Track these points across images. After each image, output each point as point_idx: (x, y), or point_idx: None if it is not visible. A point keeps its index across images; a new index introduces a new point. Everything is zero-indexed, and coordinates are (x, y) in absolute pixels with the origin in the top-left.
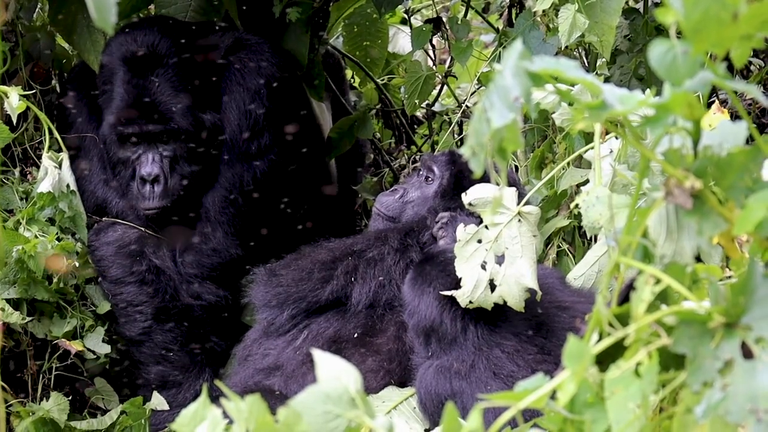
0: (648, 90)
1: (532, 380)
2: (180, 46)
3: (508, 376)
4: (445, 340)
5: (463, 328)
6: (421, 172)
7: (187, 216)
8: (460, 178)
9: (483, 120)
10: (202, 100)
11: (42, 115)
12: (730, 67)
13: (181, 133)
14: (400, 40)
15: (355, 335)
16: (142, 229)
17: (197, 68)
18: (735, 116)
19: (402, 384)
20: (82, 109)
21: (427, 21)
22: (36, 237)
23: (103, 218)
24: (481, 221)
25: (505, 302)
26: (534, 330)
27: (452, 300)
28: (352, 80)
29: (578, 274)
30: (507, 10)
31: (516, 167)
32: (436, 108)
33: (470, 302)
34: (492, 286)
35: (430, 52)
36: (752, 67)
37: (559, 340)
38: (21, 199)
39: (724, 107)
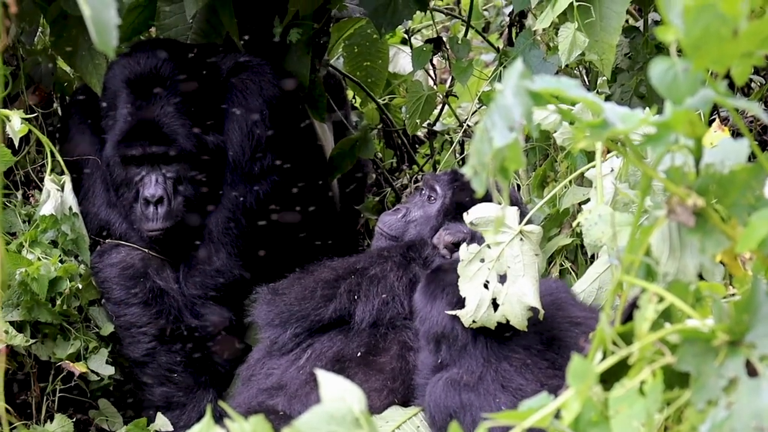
0: (649, 108)
1: (536, 399)
2: (182, 68)
3: (517, 390)
4: (456, 346)
5: (474, 336)
6: (423, 192)
7: (190, 237)
8: (462, 197)
9: (484, 139)
10: (205, 122)
11: (44, 138)
12: (731, 85)
13: (184, 155)
14: (401, 60)
15: (359, 354)
16: (146, 250)
17: (200, 90)
18: (736, 134)
19: (405, 403)
20: (84, 131)
21: (428, 41)
22: (39, 259)
23: (107, 240)
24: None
25: (508, 321)
26: (545, 344)
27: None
28: (353, 100)
29: (579, 291)
30: (507, 29)
31: (518, 186)
32: (438, 127)
33: (473, 321)
34: (495, 305)
35: (431, 72)
36: (753, 85)
37: (571, 356)
38: (24, 221)
39: (725, 125)
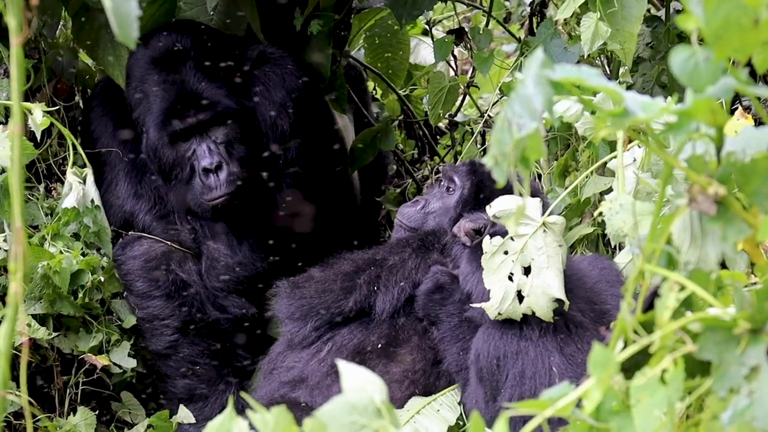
0: (670, 97)
1: (557, 388)
2: (207, 40)
3: (570, 356)
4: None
5: None
6: (442, 183)
7: (253, 202)
8: (480, 187)
9: (505, 129)
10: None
11: (66, 131)
12: (753, 74)
13: (229, 115)
14: (422, 51)
15: (379, 346)
16: (169, 243)
17: (227, 65)
18: (759, 122)
19: (426, 394)
20: (107, 123)
21: (449, 32)
22: (61, 252)
23: (130, 232)
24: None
25: (533, 313)
26: (597, 318)
27: None
28: (374, 92)
29: None
30: (528, 19)
31: (539, 175)
32: (459, 118)
33: (499, 314)
34: (520, 297)
35: (452, 63)
36: None
37: None
38: (46, 214)
39: (748, 113)
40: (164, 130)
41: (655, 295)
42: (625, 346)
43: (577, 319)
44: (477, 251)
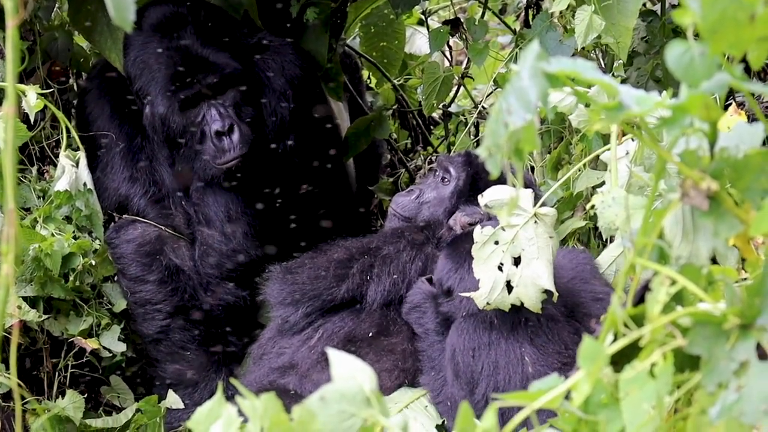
0: (665, 92)
1: (546, 380)
2: (204, 7)
3: (542, 346)
4: None
5: None
6: (437, 173)
7: (265, 166)
8: (476, 179)
9: (500, 121)
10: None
11: (59, 114)
12: (747, 71)
13: (236, 77)
14: (417, 41)
15: (370, 334)
16: (163, 227)
17: (226, 31)
18: (752, 119)
19: (416, 384)
20: (103, 106)
21: (445, 22)
22: (52, 235)
23: (124, 216)
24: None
25: (522, 303)
26: (570, 312)
27: None
28: (369, 81)
29: None
30: (524, 11)
31: (532, 168)
32: (453, 109)
33: (487, 303)
34: (509, 288)
35: (447, 53)
36: None
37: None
38: (38, 197)
39: (741, 110)
40: (174, 97)
41: (645, 288)
42: (615, 338)
43: (549, 312)
44: (456, 247)
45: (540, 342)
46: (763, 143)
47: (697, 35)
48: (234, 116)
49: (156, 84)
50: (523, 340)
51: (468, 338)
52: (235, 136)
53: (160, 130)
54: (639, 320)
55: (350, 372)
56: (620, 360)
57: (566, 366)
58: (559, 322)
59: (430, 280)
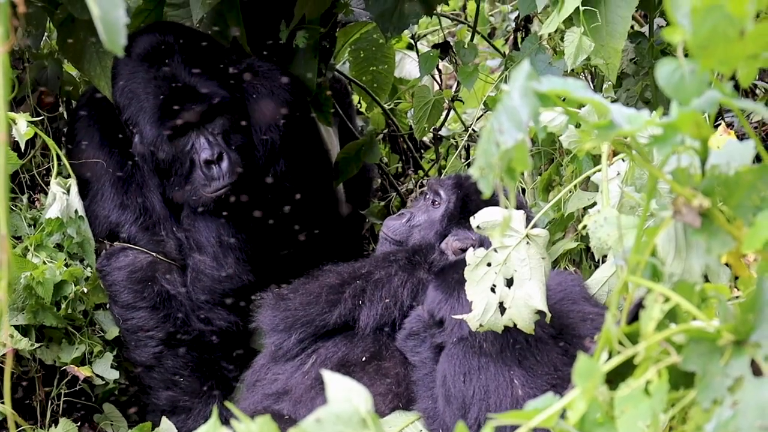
0: (655, 112)
1: (541, 399)
2: (191, 36)
3: (531, 368)
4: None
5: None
6: (427, 196)
7: (254, 194)
8: (466, 201)
9: (491, 140)
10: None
11: (50, 142)
12: (737, 89)
13: (224, 105)
14: (407, 65)
15: (363, 359)
16: (154, 254)
17: (214, 58)
18: (741, 139)
19: (410, 408)
20: (93, 134)
21: (435, 46)
22: (44, 263)
23: (115, 243)
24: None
25: (515, 325)
26: (560, 333)
27: None
28: (359, 105)
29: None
30: (513, 34)
31: (523, 190)
32: (443, 132)
33: (480, 325)
34: (502, 309)
35: (437, 77)
36: (757, 91)
37: (581, 348)
38: (29, 225)
39: (731, 129)
40: (162, 126)
41: (639, 306)
42: (610, 356)
43: (537, 334)
44: (445, 277)
45: (529, 364)
46: (754, 161)
47: (686, 54)
48: (223, 144)
49: (144, 113)
50: (511, 363)
51: (458, 364)
52: (225, 164)
53: (150, 160)
54: (633, 338)
55: (346, 394)
56: (615, 378)
57: (555, 387)
58: (548, 344)
59: None
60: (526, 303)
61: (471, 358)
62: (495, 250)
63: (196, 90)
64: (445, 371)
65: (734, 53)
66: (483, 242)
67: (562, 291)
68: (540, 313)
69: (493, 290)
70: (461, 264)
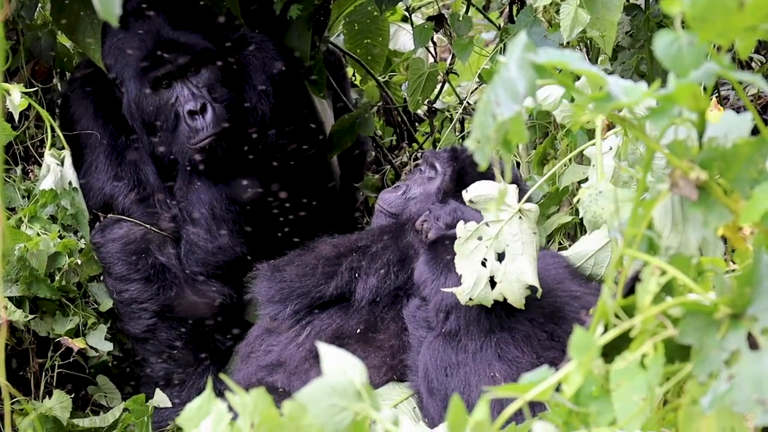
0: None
1: (537, 372)
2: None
3: (513, 360)
4: (468, 317)
5: (483, 306)
6: (423, 169)
7: (239, 148)
8: (462, 174)
9: (488, 112)
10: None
11: (44, 113)
12: (734, 61)
13: (208, 58)
14: (401, 38)
15: (358, 331)
16: (148, 226)
17: (203, 14)
18: (738, 112)
19: (404, 380)
20: (87, 105)
21: (429, 18)
22: (38, 235)
23: (109, 215)
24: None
25: (505, 299)
26: (546, 317)
27: None
28: (353, 78)
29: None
30: (508, 6)
31: (517, 163)
32: (438, 105)
33: (470, 299)
34: (492, 283)
35: (431, 50)
36: (753, 64)
37: (569, 328)
38: (23, 197)
39: (725, 103)
40: (144, 77)
41: (635, 279)
42: (606, 330)
43: (516, 321)
44: (437, 254)
45: (510, 357)
46: (752, 133)
47: (684, 26)
48: (207, 96)
49: (129, 67)
50: (492, 358)
51: (440, 357)
52: (209, 115)
53: (137, 115)
54: (629, 311)
55: (341, 366)
56: (611, 351)
57: None
58: (530, 334)
59: None
60: (517, 278)
61: (451, 352)
62: (486, 224)
63: (178, 42)
64: (426, 363)
65: (733, 25)
66: (457, 220)
67: (545, 270)
68: (531, 288)
69: (483, 264)
70: (449, 240)
